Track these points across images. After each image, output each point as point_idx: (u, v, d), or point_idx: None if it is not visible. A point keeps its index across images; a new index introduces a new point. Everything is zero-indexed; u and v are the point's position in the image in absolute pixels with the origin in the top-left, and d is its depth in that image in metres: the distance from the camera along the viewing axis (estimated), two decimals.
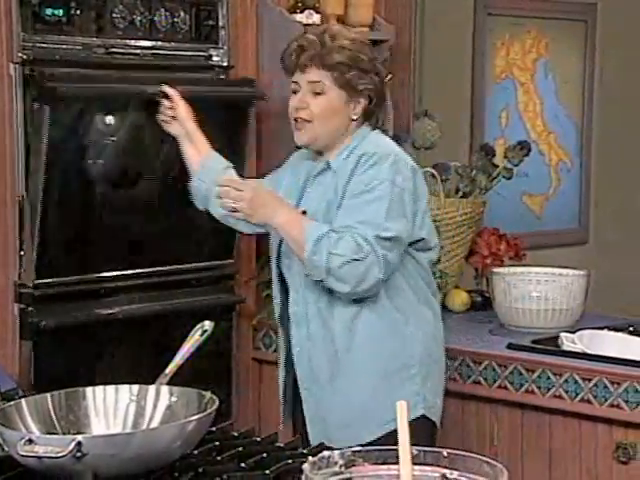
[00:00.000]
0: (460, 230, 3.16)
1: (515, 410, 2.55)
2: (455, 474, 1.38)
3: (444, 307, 3.11)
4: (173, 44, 2.66)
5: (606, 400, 2.34)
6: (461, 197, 3.17)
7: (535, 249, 3.79)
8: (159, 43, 2.63)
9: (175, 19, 2.63)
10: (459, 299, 3.11)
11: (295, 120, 2.23)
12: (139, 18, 2.58)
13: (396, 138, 3.18)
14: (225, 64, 2.75)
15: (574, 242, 4.29)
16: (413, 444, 2.12)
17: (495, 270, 2.96)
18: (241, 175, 2.47)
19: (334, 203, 2.19)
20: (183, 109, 2.37)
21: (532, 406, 2.51)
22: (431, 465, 1.41)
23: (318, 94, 2.20)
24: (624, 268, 4.25)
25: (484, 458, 1.35)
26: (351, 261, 2.10)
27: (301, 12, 2.86)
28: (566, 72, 4.23)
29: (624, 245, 4.30)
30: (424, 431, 2.18)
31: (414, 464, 1.37)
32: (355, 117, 2.24)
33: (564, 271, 2.84)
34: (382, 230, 2.12)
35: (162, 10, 2.61)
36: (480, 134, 3.95)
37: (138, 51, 2.59)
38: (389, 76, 3.10)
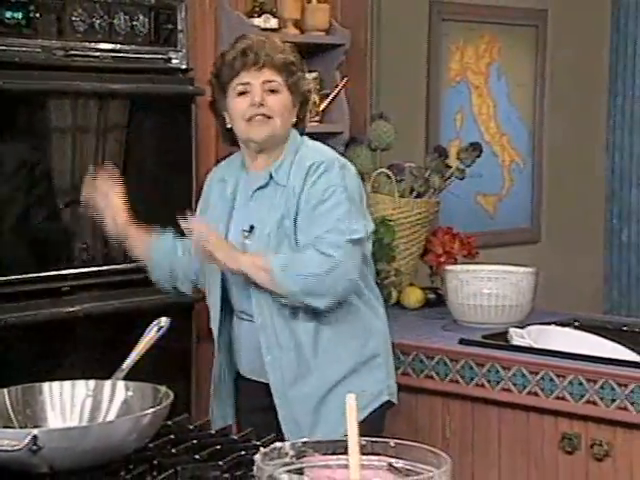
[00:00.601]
0: (414, 229, 3.20)
1: (466, 403, 2.59)
2: (401, 463, 1.41)
3: (399, 304, 3.16)
4: (133, 47, 2.67)
5: (552, 392, 2.39)
6: (415, 197, 3.21)
7: (489, 248, 3.84)
8: (118, 46, 2.64)
9: (134, 22, 2.64)
10: (414, 296, 3.15)
11: (251, 118, 2.18)
12: (98, 21, 2.58)
13: (352, 140, 3.24)
14: (184, 67, 2.77)
15: (526, 241, 4.35)
16: (380, 430, 2.15)
17: (448, 268, 3.01)
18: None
19: (288, 217, 2.17)
20: (122, 214, 2.28)
21: (482, 399, 2.56)
22: (379, 455, 1.44)
23: (273, 93, 2.19)
24: (575, 266, 4.32)
25: (429, 448, 1.38)
26: (322, 274, 2.10)
27: (259, 16, 2.88)
28: (518, 76, 4.29)
29: (574, 244, 4.37)
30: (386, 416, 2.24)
31: (362, 454, 1.40)
32: (293, 121, 2.25)
33: (514, 269, 2.89)
34: (350, 233, 2.15)
35: (121, 14, 2.62)
36: (435, 136, 3.99)
37: (98, 54, 2.60)
38: (345, 79, 3.15)
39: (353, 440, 1.38)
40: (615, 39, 4.40)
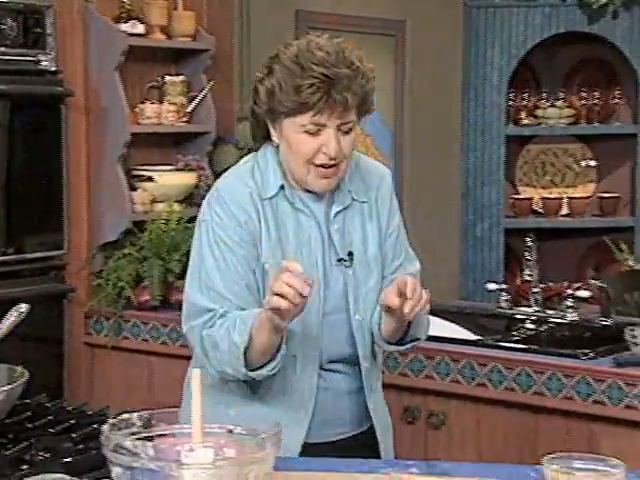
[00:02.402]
0: None
1: None
2: (239, 429, 1.50)
3: None
4: (2, 49, 2.67)
5: (396, 369, 2.52)
6: None
7: None
8: None
9: (2, 25, 2.63)
10: None
11: (320, 166, 1.71)
12: None
13: (220, 139, 3.31)
14: (53, 69, 2.78)
15: None
16: None
17: None
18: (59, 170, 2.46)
19: (382, 234, 1.83)
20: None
21: None
22: (219, 423, 1.52)
23: (346, 133, 1.72)
24: (434, 258, 4.49)
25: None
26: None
27: (126, 22, 2.91)
28: (380, 81, 4.37)
29: (433, 238, 4.54)
30: None
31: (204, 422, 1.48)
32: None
33: None
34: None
35: None
36: None
37: None
38: (211, 82, 3.22)
39: (196, 410, 1.46)
40: (468, 49, 4.60)
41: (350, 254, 1.78)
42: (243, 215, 1.73)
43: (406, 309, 1.65)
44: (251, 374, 1.70)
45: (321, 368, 1.78)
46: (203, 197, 3.13)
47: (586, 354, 2.34)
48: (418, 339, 1.83)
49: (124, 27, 2.91)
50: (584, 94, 4.52)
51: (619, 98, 4.48)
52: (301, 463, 1.64)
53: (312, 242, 1.76)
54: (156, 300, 2.91)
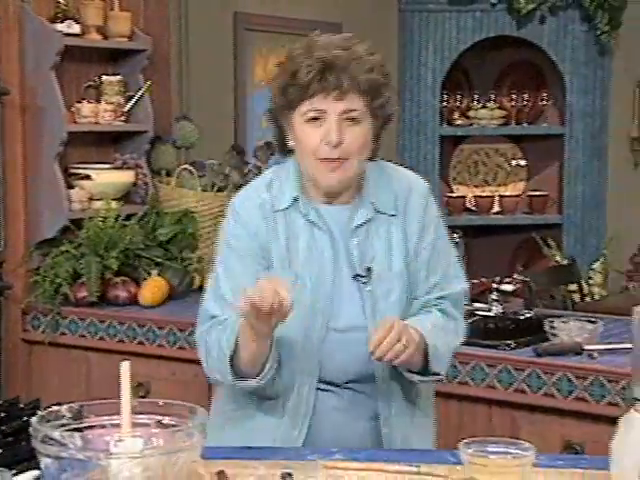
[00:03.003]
0: (216, 220, 3.31)
1: None
2: (167, 419, 1.52)
3: (201, 289, 3.25)
4: None
5: None
6: (217, 191, 3.32)
7: None
8: None
9: None
10: None
11: (323, 159, 1.65)
12: None
13: (157, 138, 3.31)
14: None
15: None
16: None
17: None
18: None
19: (409, 251, 1.72)
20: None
21: None
22: (149, 413, 1.54)
23: (353, 122, 1.64)
24: None
25: (187, 404, 1.50)
26: (457, 347, 1.79)
27: (62, 22, 2.90)
28: None
29: None
30: None
31: (134, 413, 1.50)
32: (371, 148, 1.71)
33: None
34: (466, 282, 1.81)
35: None
36: (243, 136, 4.11)
37: None
38: (148, 82, 3.23)
39: (125, 401, 1.48)
40: (402, 51, 4.67)
41: (369, 270, 1.69)
42: (253, 226, 1.69)
43: (370, 347, 1.58)
44: (238, 383, 1.66)
45: (337, 386, 1.70)
46: (141, 195, 3.23)
47: (508, 345, 2.41)
48: (438, 374, 1.71)
49: (60, 27, 2.90)
50: (514, 96, 4.62)
51: (547, 100, 4.60)
52: (226, 452, 1.67)
53: (324, 257, 1.68)
54: (93, 296, 2.91)
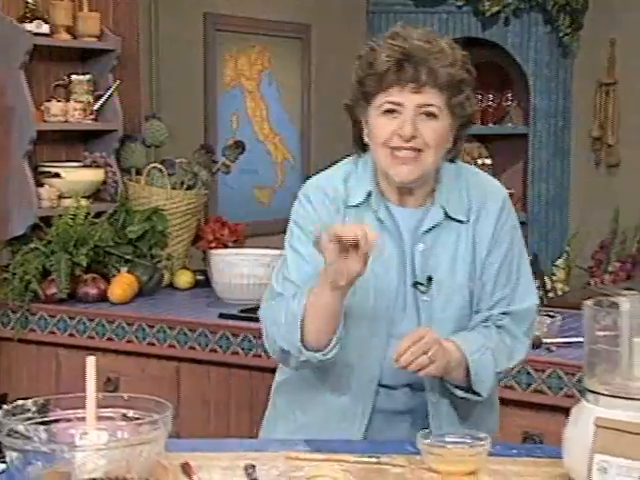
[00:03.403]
0: (185, 218, 3.32)
1: (223, 369, 2.74)
2: (131, 412, 1.53)
3: (172, 286, 3.27)
4: None
5: None
6: (186, 189, 3.33)
7: (266, 235, 4.02)
8: None
9: None
10: (184, 278, 3.26)
11: (395, 149, 1.59)
12: None
13: (127, 137, 3.31)
14: None
15: None
16: None
17: (213, 252, 3.15)
18: None
19: (475, 263, 1.65)
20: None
21: (238, 365, 2.71)
22: (114, 407, 1.55)
23: (430, 117, 1.59)
24: None
25: (153, 398, 1.51)
26: (510, 368, 1.72)
27: (30, 22, 2.90)
28: (287, 82, 4.49)
29: None
30: None
31: (100, 407, 1.51)
32: (449, 147, 1.64)
33: (268, 251, 3.07)
34: (537, 297, 1.73)
35: None
36: (214, 135, 4.12)
37: None
38: (117, 82, 3.23)
39: (90, 395, 1.49)
40: None
41: (429, 279, 1.62)
42: (324, 216, 1.63)
43: (394, 355, 1.55)
44: (306, 353, 1.59)
45: (394, 389, 1.67)
46: (110, 193, 3.23)
47: None
48: (478, 394, 1.65)
49: (29, 27, 2.89)
50: (480, 96, 4.66)
51: (511, 100, 4.64)
52: (190, 444, 1.68)
53: (389, 260, 1.62)
54: (63, 293, 2.90)
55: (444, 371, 1.58)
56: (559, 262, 4.45)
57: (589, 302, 1.47)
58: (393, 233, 1.64)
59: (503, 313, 1.67)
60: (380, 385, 1.66)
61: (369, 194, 1.65)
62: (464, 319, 1.65)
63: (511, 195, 4.91)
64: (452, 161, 1.68)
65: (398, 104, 1.57)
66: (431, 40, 1.59)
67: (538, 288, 4.09)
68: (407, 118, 1.57)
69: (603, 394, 1.41)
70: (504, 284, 1.66)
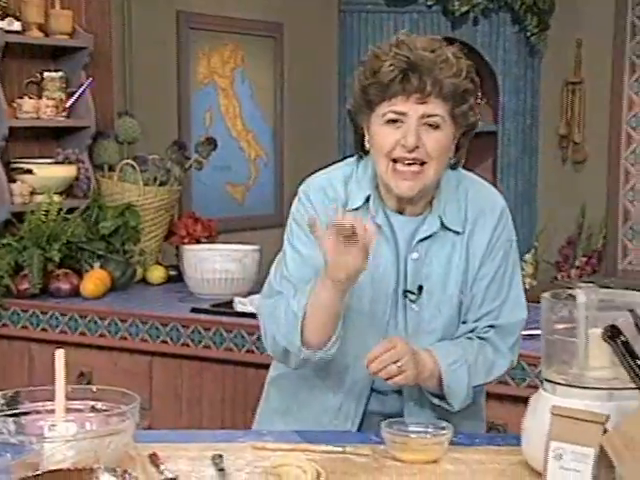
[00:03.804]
0: (158, 214, 3.32)
1: (195, 363, 2.74)
2: (100, 404, 1.54)
3: (144, 281, 3.27)
4: None
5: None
6: (159, 185, 3.33)
7: (239, 231, 4.04)
8: None
9: None
10: (157, 273, 3.26)
11: (397, 160, 1.56)
12: None
13: (100, 134, 3.31)
14: None
15: (271, 224, 4.56)
16: None
17: (186, 247, 3.15)
18: None
19: (468, 274, 1.63)
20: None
21: (209, 359, 2.72)
22: (82, 399, 1.56)
23: (433, 128, 1.57)
24: None
25: (121, 390, 1.52)
26: (489, 381, 1.71)
27: (2, 19, 2.88)
28: (260, 80, 4.50)
29: None
30: None
31: (69, 399, 1.51)
32: (450, 156, 1.62)
33: (240, 247, 3.08)
34: (525, 312, 1.71)
35: None
36: (187, 132, 4.11)
37: None
38: (90, 79, 3.22)
39: (59, 387, 1.49)
40: (342, 51, 4.71)
41: (420, 288, 1.62)
42: (324, 217, 1.58)
43: (365, 361, 1.54)
44: (306, 352, 1.58)
45: (376, 391, 1.67)
46: (83, 189, 3.22)
47: None
48: (452, 406, 1.64)
49: (0, 24, 2.88)
50: None
51: (481, 99, 4.68)
52: (158, 435, 1.69)
53: (384, 267, 1.61)
54: (35, 288, 2.89)
55: (414, 381, 1.58)
56: (527, 257, 4.50)
57: (546, 294, 1.49)
58: (389, 239, 1.63)
59: (489, 326, 1.66)
60: (372, 389, 1.67)
61: (368, 198, 1.63)
62: (451, 329, 1.65)
63: None
64: (453, 168, 1.66)
65: (402, 114, 1.55)
66: (436, 49, 1.57)
67: None
68: (411, 128, 1.54)
69: (560, 384, 1.43)
70: (493, 298, 1.65)
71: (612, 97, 4.59)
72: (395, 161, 1.56)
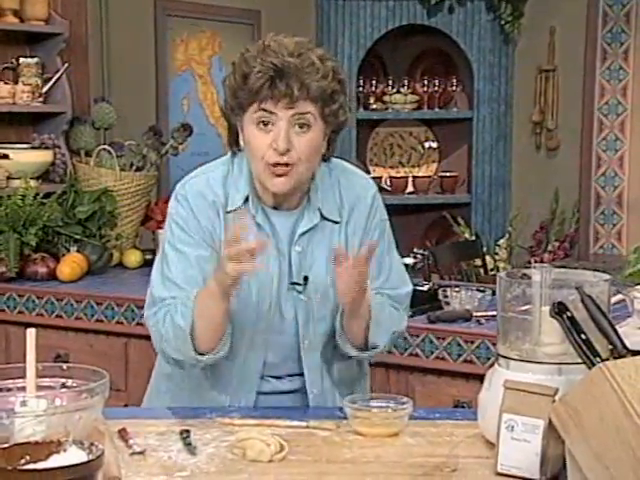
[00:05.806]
0: (135, 199, 3.34)
1: None
2: (70, 382, 1.57)
3: (121, 265, 3.29)
4: None
5: None
6: (135, 171, 3.35)
7: None
8: None
9: None
10: (133, 257, 3.29)
11: (272, 164, 1.60)
12: None
13: (76, 119, 3.32)
14: None
15: None
16: None
17: (162, 232, 3.16)
18: None
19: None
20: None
21: None
22: (53, 377, 1.58)
23: (303, 128, 1.60)
24: None
25: (91, 368, 1.55)
26: (401, 333, 1.82)
27: None
28: None
29: None
30: None
31: (39, 377, 1.54)
32: (323, 152, 1.67)
33: None
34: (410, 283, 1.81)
35: None
36: (165, 118, 4.13)
37: None
38: (65, 65, 3.23)
39: (30, 365, 1.52)
40: (319, 38, 4.73)
41: (305, 278, 1.68)
42: (204, 220, 1.65)
43: (338, 268, 1.59)
44: (202, 358, 1.65)
45: (279, 378, 1.74)
46: (59, 174, 3.24)
47: None
48: (377, 346, 1.73)
49: None
50: (426, 82, 4.73)
51: (456, 86, 4.72)
52: (128, 412, 1.72)
53: (270, 263, 1.65)
54: (12, 272, 2.92)
55: (364, 302, 1.64)
56: (501, 242, 4.56)
57: (502, 274, 1.54)
58: (270, 237, 1.67)
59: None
60: (263, 377, 1.73)
61: (246, 199, 1.67)
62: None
63: (456, 177, 5.03)
64: (326, 160, 1.71)
65: (272, 114, 1.58)
66: (302, 53, 1.60)
67: (480, 267, 4.20)
68: (281, 131, 1.58)
69: (513, 359, 1.48)
70: (377, 275, 1.72)
71: (584, 85, 4.64)
72: (268, 165, 1.61)
